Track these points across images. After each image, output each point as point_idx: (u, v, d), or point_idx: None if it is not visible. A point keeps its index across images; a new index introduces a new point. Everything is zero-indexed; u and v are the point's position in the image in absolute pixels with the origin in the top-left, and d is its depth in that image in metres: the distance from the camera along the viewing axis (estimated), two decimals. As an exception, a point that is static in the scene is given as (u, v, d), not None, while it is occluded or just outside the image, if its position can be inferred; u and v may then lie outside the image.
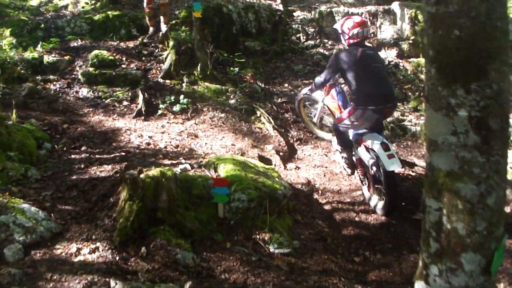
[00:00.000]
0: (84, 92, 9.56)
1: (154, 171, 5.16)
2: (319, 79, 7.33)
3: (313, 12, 13.19)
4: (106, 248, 4.53)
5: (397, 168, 6.36)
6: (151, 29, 11.68)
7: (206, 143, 7.92)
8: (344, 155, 7.59)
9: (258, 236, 5.19)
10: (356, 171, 7.49)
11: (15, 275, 4.01)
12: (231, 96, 9.76)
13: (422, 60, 11.76)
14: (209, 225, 5.15)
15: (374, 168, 6.67)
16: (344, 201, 7.14)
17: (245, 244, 5.00)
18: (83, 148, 7.18)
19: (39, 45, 11.02)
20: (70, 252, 4.47)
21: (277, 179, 6.05)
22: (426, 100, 2.75)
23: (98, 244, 4.58)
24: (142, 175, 5.04)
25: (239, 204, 5.30)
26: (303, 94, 8.64)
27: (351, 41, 6.87)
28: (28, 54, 10.43)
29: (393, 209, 6.67)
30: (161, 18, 11.53)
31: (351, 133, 7.26)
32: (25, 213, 4.82)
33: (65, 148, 7.15)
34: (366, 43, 7.32)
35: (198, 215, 5.17)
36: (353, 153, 7.36)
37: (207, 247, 4.87)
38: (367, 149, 6.78)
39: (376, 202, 6.89)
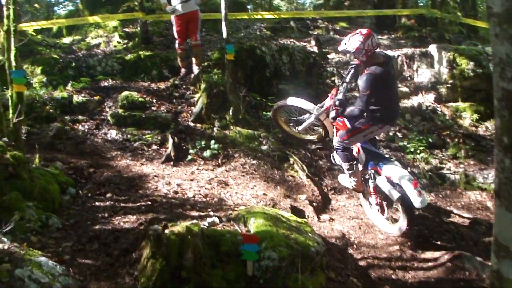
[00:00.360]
0: (112, 134, 9.36)
1: (179, 227, 4.91)
2: (357, 109, 6.93)
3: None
4: None
5: (424, 204, 6.66)
6: (182, 70, 11.53)
7: (236, 192, 7.57)
8: (351, 172, 7.51)
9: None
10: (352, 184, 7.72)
11: None
12: (264, 142, 9.47)
13: (460, 105, 11.53)
14: (236, 284, 4.85)
15: (399, 202, 6.89)
16: (380, 257, 6.75)
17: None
18: (108, 195, 6.91)
19: (69, 84, 10.91)
20: None
21: (310, 234, 5.75)
22: (496, 196, 2.34)
23: None
24: (166, 231, 4.79)
25: (270, 262, 4.98)
26: (285, 103, 8.28)
27: (369, 53, 6.79)
28: (57, 93, 10.31)
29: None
30: (193, 59, 11.38)
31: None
32: (42, 267, 4.56)
33: (89, 194, 6.90)
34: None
35: (225, 274, 4.88)
36: (367, 177, 7.52)
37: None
38: (390, 181, 6.96)
39: (386, 225, 7.36)
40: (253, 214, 5.85)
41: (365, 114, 6.99)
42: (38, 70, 11.61)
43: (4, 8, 7.41)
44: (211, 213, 6.34)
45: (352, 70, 7.46)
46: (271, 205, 7.20)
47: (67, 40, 14.73)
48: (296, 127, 8.33)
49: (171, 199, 6.91)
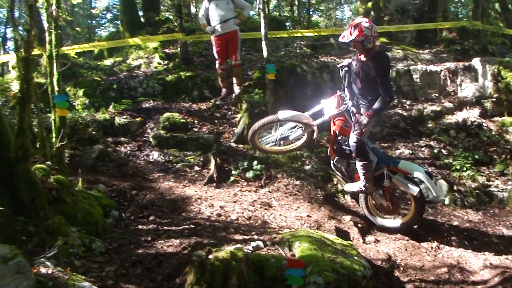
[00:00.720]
0: (155, 155, 9.34)
1: (223, 253, 4.86)
2: (390, 98, 7.17)
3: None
4: None
5: (444, 195, 7.91)
6: (223, 90, 11.49)
7: (280, 214, 7.45)
8: (366, 172, 7.40)
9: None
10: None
11: None
12: (307, 162, 9.38)
13: (507, 119, 11.21)
14: None
15: (417, 195, 7.35)
16: (427, 280, 6.55)
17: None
18: (151, 217, 6.86)
19: (111, 106, 10.95)
20: None
21: (356, 257, 5.67)
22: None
23: None
24: (211, 257, 4.74)
25: (315, 287, 4.91)
26: (263, 123, 7.86)
27: (375, 40, 7.00)
28: (100, 115, 10.35)
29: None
30: (234, 79, 11.33)
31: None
32: None
33: (132, 217, 6.87)
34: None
35: None
36: (379, 177, 7.61)
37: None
38: (407, 177, 7.46)
39: (389, 221, 7.81)
40: (297, 237, 5.77)
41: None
42: (80, 92, 11.70)
43: (46, 33, 7.43)
44: (255, 236, 6.23)
45: (345, 73, 7.53)
46: (316, 227, 7.08)
47: (108, 62, 14.86)
48: (280, 144, 8.05)
49: (214, 222, 6.83)
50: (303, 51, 14.51)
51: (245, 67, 12.86)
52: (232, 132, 10.08)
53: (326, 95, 11.52)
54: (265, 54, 10.36)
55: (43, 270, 4.87)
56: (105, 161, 8.97)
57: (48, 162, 6.90)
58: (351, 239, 7.10)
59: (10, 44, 27.34)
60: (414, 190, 7.31)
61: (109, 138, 9.81)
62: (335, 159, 7.74)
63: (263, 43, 10.28)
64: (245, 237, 6.21)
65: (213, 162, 8.86)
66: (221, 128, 10.34)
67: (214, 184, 8.43)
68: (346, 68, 7.47)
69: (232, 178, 8.67)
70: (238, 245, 5.40)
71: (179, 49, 13.73)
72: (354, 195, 8.18)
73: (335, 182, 8.88)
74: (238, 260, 4.78)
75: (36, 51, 6.41)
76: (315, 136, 7.88)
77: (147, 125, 10.39)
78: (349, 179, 7.79)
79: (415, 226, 7.81)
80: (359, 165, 7.30)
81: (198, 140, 9.66)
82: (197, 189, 8.10)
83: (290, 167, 9.11)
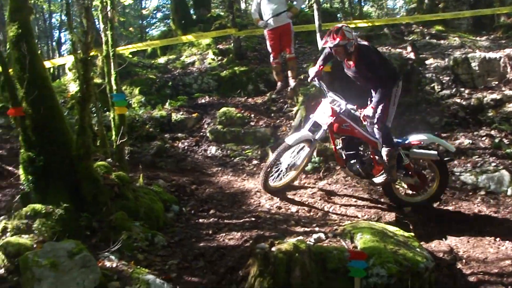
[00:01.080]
0: (212, 150, 9.39)
1: (286, 245, 4.81)
2: (387, 88, 7.16)
3: (446, 60, 12.33)
4: None
5: (453, 149, 8.03)
6: (279, 84, 11.44)
7: (340, 206, 7.39)
8: (393, 158, 7.38)
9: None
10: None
11: None
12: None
13: None
14: None
15: (438, 157, 7.56)
16: (491, 272, 6.26)
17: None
18: (212, 211, 6.88)
19: (167, 103, 11.06)
20: None
21: (418, 249, 5.52)
22: None
23: None
24: (273, 249, 4.72)
25: (378, 279, 4.85)
26: (273, 161, 7.44)
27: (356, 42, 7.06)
28: (156, 112, 10.45)
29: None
30: (289, 72, 11.26)
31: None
32: (149, 285, 4.63)
33: (193, 211, 6.90)
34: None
35: None
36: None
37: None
38: (421, 147, 7.68)
39: (419, 197, 7.89)
40: (359, 229, 5.70)
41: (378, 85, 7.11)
42: (136, 90, 11.84)
43: (102, 34, 7.53)
44: (316, 228, 6.19)
45: (319, 80, 7.67)
46: (376, 219, 7.02)
47: (162, 60, 15.01)
48: (291, 170, 7.66)
49: (275, 214, 6.81)
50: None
51: (299, 60, 12.78)
52: (289, 125, 10.01)
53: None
54: (319, 46, 10.25)
55: (107, 264, 4.95)
56: (163, 157, 9.07)
57: (109, 159, 7.02)
58: (412, 230, 6.89)
59: (65, 47, 28.03)
60: (433, 154, 7.59)
61: (166, 135, 9.91)
62: (347, 165, 7.55)
63: (317, 35, 10.19)
64: (306, 229, 6.17)
65: (271, 155, 8.81)
66: (277, 121, 10.29)
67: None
68: (316, 77, 7.61)
69: (291, 171, 8.59)
70: (300, 237, 5.37)
71: (232, 44, 13.76)
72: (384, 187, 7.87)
73: (394, 173, 8.69)
74: (301, 252, 4.73)
75: (92, 53, 6.52)
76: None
77: (203, 121, 10.44)
78: (367, 177, 7.64)
79: (477, 219, 7.58)
80: (385, 152, 7.28)
81: (255, 134, 9.66)
82: (256, 183, 8.06)
83: (348, 159, 8.97)
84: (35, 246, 4.94)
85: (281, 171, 7.64)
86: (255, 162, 8.96)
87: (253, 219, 6.58)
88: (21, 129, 5.89)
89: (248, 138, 9.63)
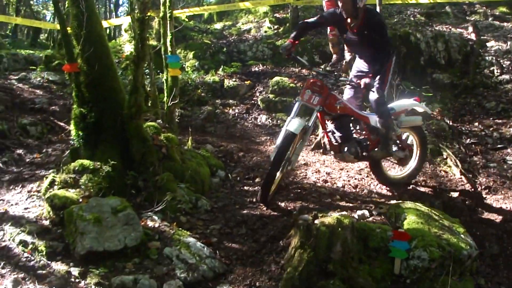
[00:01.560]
0: (262, 119, 9.37)
1: (330, 219, 4.78)
2: (388, 55, 6.50)
3: (509, 43, 11.96)
4: None
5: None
6: (334, 56, 11.29)
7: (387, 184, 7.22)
8: (393, 131, 6.82)
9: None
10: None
11: None
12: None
13: None
14: (382, 282, 4.70)
15: (421, 123, 7.38)
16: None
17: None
18: (257, 179, 6.85)
19: (220, 69, 11.08)
20: None
21: (462, 235, 5.38)
22: None
23: None
24: (317, 221, 4.71)
25: (419, 262, 4.77)
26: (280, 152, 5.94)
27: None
28: (209, 77, 10.49)
29: None
30: (345, 45, 11.06)
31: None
32: (190, 248, 4.70)
33: (238, 178, 6.90)
34: None
35: (372, 270, 4.76)
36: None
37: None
38: (408, 114, 7.27)
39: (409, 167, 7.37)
40: (405, 209, 5.63)
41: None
42: (190, 55, 11.89)
43: (160, -5, 7.57)
44: (361, 205, 6.12)
45: (293, 55, 6.51)
46: (422, 201, 6.78)
47: (218, 26, 15.02)
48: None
49: (320, 188, 6.74)
50: (417, 19, 13.99)
51: (356, 33, 12.55)
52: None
53: (439, 66, 11.18)
54: (377, 19, 10.08)
55: (150, 223, 5.02)
56: (213, 122, 9.11)
57: (159, 121, 7.07)
58: (459, 216, 6.74)
59: (122, 9, 28.34)
60: (418, 119, 7.27)
61: (218, 100, 9.94)
62: (342, 149, 6.55)
63: (378, 8, 9.99)
64: (351, 205, 6.12)
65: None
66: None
67: (321, 151, 8.31)
68: (291, 53, 6.45)
69: (339, 146, 8.50)
70: (344, 213, 5.34)
71: (289, 13, 13.64)
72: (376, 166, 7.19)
73: (444, 157, 8.50)
74: (343, 227, 4.70)
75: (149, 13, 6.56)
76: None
77: (255, 89, 10.42)
78: (365, 158, 6.87)
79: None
80: (381, 123, 6.59)
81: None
82: (304, 154, 8.01)
83: (399, 137, 8.81)
84: (80, 200, 5.04)
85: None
86: (305, 133, 8.91)
87: (298, 190, 6.54)
88: (75, 85, 6.00)
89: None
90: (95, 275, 4.24)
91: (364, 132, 6.81)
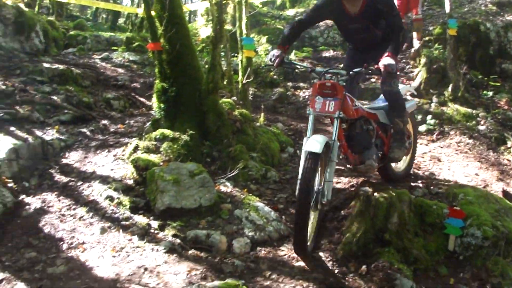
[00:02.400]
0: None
1: (389, 192, 4.99)
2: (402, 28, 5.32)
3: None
4: (328, 259, 4.57)
5: None
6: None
7: (448, 169, 7.39)
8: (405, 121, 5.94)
9: (485, 278, 4.66)
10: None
11: (238, 267, 4.28)
12: (482, 122, 9.08)
13: None
14: (435, 256, 4.83)
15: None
16: None
17: (469, 284, 4.55)
18: (323, 157, 7.12)
19: (292, 53, 11.37)
20: (292, 256, 4.57)
21: None
22: None
23: (321, 253, 4.65)
24: (376, 194, 4.91)
25: (472, 240, 4.83)
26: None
27: None
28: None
29: None
30: (414, 34, 11.19)
31: None
32: (258, 211, 5.09)
33: (306, 155, 7.16)
34: None
35: (426, 244, 4.91)
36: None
37: (429, 278, 4.56)
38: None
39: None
40: (462, 190, 5.70)
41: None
42: (263, 39, 12.27)
43: (236, -19, 7.99)
44: (421, 184, 6.28)
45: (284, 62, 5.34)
46: (482, 186, 6.91)
47: (290, 12, 15.30)
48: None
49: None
50: (488, 9, 13.81)
51: (426, 22, 12.60)
52: (409, 85, 10.01)
53: (509, 57, 11.09)
54: (447, 9, 10.17)
55: (223, 188, 5.49)
56: (284, 103, 9.44)
57: (234, 98, 7.54)
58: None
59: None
60: (413, 104, 6.59)
61: (289, 83, 10.24)
62: (367, 159, 5.36)
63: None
64: (411, 184, 6.28)
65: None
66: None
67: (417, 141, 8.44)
68: (280, 62, 5.22)
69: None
70: (404, 190, 5.51)
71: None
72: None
73: (508, 145, 8.56)
74: (402, 201, 4.91)
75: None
76: None
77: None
78: (383, 160, 5.87)
79: None
80: (399, 117, 5.79)
81: (374, 91, 9.71)
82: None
83: (463, 125, 8.89)
84: (161, 163, 5.55)
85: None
86: (373, 117, 9.12)
87: (363, 166, 6.78)
88: (157, 62, 6.55)
89: (368, 93, 9.74)
90: (172, 227, 4.76)
91: (379, 133, 5.70)
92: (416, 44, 11.00)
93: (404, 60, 11.08)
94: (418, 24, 11.12)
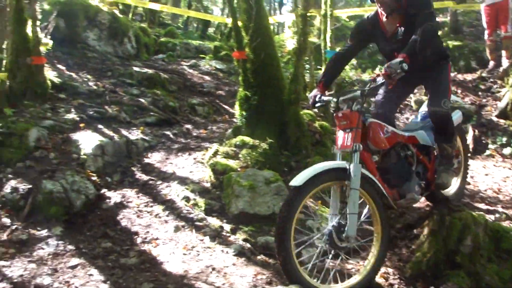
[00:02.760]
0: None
1: (464, 213, 4.86)
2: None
3: None
4: (396, 277, 4.53)
5: None
6: (491, 63, 11.11)
7: (532, 195, 7.16)
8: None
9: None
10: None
11: None
12: None
13: None
14: (509, 284, 4.64)
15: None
16: None
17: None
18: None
19: (377, 68, 11.37)
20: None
21: None
22: None
23: (389, 270, 4.62)
24: (451, 215, 4.80)
25: None
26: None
27: None
28: (366, 76, 10.81)
29: None
30: (503, 52, 10.88)
31: None
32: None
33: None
34: None
35: (499, 271, 4.70)
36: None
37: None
38: None
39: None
40: None
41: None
42: (352, 55, 12.25)
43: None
44: (500, 209, 6.07)
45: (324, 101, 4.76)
46: None
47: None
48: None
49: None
50: None
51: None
52: (495, 106, 9.70)
53: None
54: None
55: (299, 199, 5.53)
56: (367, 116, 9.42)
57: (315, 110, 7.57)
58: None
59: (285, 8, 29.38)
60: (459, 116, 5.67)
61: (373, 98, 10.17)
62: (409, 192, 4.72)
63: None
64: (490, 207, 6.12)
65: (471, 132, 8.72)
66: (484, 100, 10.02)
67: (469, 155, 8.31)
68: (316, 95, 4.74)
69: (488, 152, 8.43)
70: (481, 213, 5.34)
71: (448, 17, 13.62)
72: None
73: None
74: (476, 224, 4.74)
75: (311, 10, 7.08)
76: None
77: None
78: (428, 189, 5.11)
79: None
80: (446, 142, 5.05)
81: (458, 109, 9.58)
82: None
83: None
84: (239, 169, 5.69)
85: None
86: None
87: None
88: (242, 70, 6.72)
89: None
90: (244, 232, 4.89)
91: (420, 158, 4.98)
92: (505, 63, 10.69)
93: (491, 80, 10.81)
94: (507, 42, 10.77)
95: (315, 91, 4.79)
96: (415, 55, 4.28)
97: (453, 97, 5.52)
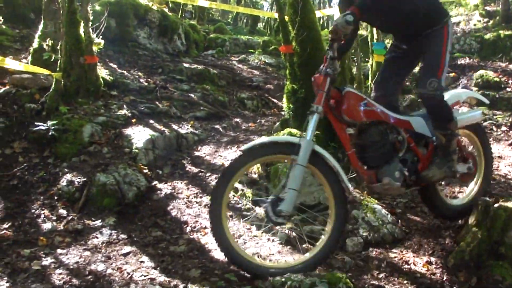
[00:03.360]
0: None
1: (509, 204, 4.75)
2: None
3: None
4: (438, 266, 4.54)
5: None
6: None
7: None
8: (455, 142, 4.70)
9: None
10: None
11: (347, 263, 4.42)
12: None
13: None
14: None
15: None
16: None
17: None
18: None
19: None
20: (403, 259, 4.61)
21: None
22: None
23: (432, 259, 4.62)
24: (496, 205, 4.72)
25: None
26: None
27: None
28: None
29: None
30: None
31: None
32: (375, 213, 5.17)
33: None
34: None
35: None
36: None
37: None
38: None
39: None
40: None
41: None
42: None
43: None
44: None
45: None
46: None
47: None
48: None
49: (510, 180, 6.74)
50: None
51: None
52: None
53: None
54: None
55: (343, 188, 5.61)
56: (415, 110, 9.35)
57: (364, 101, 7.64)
58: None
59: (335, 0, 29.37)
60: (478, 114, 5.23)
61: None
62: (384, 176, 4.41)
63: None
64: None
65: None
66: (537, 92, 9.92)
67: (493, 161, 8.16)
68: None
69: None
70: None
71: (500, 6, 13.39)
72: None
73: None
74: None
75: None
76: None
77: (459, 81, 10.48)
78: (418, 182, 4.73)
79: None
80: (440, 129, 4.59)
81: (509, 101, 9.49)
82: (500, 148, 7.97)
83: None
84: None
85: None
86: (504, 128, 8.79)
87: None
88: (289, 64, 6.83)
89: (502, 103, 9.47)
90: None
91: (411, 145, 4.58)
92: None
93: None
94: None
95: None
96: (377, 10, 4.10)
97: (470, 93, 5.32)
